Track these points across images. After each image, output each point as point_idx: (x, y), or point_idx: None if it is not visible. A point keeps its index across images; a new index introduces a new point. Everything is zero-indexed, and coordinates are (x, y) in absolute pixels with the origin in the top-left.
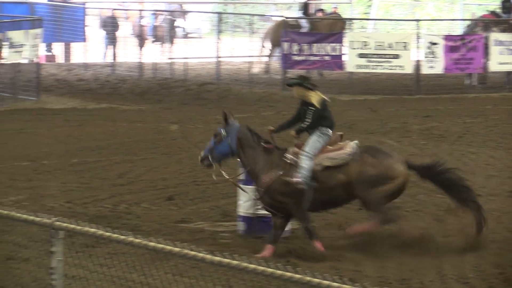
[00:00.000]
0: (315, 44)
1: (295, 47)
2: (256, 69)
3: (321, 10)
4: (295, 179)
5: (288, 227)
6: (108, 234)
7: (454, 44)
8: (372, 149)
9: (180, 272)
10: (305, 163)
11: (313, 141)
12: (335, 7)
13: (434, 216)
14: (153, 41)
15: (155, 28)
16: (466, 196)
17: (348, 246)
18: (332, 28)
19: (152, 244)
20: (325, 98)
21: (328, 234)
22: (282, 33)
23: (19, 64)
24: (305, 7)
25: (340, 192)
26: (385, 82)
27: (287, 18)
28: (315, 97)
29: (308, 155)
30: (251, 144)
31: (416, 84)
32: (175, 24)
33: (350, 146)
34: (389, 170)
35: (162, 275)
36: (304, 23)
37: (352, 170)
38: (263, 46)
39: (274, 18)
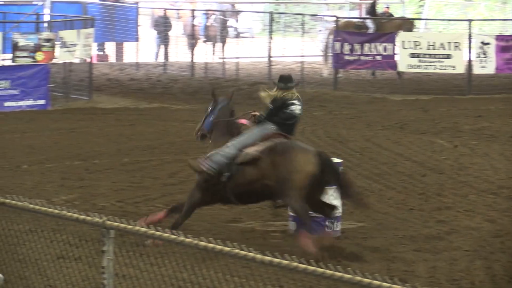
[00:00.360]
0: (367, 44)
1: (347, 47)
2: (326, 70)
3: None
4: (201, 165)
5: (338, 228)
6: (159, 233)
7: (506, 44)
8: (281, 145)
9: (230, 271)
10: (225, 151)
11: (250, 134)
12: (387, 7)
13: (485, 216)
14: (205, 41)
15: (206, 27)
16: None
17: (400, 245)
18: (399, 29)
19: (203, 243)
20: (285, 98)
21: (379, 234)
22: (335, 33)
23: (71, 63)
24: (372, 8)
25: (257, 188)
26: (436, 82)
27: (338, 17)
28: (270, 96)
29: (234, 145)
30: (222, 128)
31: (467, 84)
32: (227, 24)
33: (262, 144)
34: (292, 164)
35: (212, 275)
36: (369, 23)
37: (262, 169)
38: (327, 45)
39: (326, 18)
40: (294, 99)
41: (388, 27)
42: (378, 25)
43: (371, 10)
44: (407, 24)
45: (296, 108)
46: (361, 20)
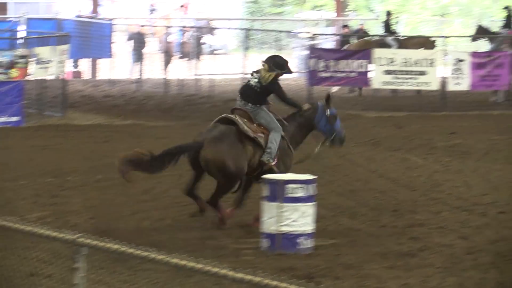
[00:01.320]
0: (341, 61)
1: (322, 64)
2: (335, 88)
3: (346, 26)
4: None
5: (311, 245)
6: (131, 250)
7: (481, 60)
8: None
9: None
10: None
11: None
12: (362, 24)
13: (458, 233)
14: (180, 57)
15: (182, 44)
16: None
17: (372, 262)
18: (422, 46)
19: (174, 260)
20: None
21: (352, 251)
22: (309, 49)
23: (45, 80)
24: (386, 25)
25: None
26: (411, 99)
27: (314, 34)
28: None
29: None
30: None
31: (442, 101)
32: (202, 40)
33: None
34: None
35: None
36: (391, 41)
37: None
38: None
39: (300, 35)
40: (257, 74)
41: (410, 45)
42: (401, 43)
43: (387, 27)
44: (429, 43)
45: (252, 80)
46: (383, 37)
